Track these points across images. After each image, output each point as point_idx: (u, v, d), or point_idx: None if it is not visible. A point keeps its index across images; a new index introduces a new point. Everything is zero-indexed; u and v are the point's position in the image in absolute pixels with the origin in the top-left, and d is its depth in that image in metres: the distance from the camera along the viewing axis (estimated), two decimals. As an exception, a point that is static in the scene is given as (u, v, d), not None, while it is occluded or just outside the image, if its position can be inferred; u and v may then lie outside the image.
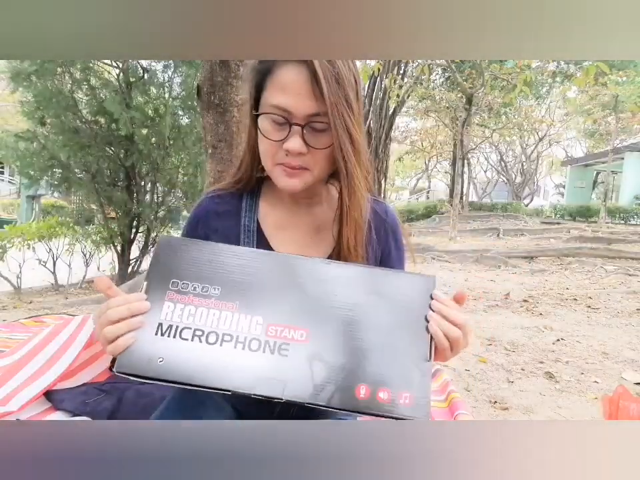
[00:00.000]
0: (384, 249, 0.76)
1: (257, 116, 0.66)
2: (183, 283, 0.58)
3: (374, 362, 0.54)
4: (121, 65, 4.75)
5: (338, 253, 0.70)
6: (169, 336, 0.55)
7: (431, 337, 0.56)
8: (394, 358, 0.55)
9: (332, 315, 0.57)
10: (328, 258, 0.75)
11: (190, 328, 0.55)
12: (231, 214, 0.75)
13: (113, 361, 0.99)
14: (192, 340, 0.55)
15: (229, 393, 0.51)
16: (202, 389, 0.52)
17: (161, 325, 0.55)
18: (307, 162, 0.65)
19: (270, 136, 0.64)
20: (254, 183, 0.78)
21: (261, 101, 0.66)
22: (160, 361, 0.53)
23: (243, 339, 0.55)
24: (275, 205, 0.77)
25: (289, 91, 0.61)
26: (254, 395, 0.51)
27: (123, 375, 0.52)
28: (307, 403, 0.51)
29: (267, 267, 0.59)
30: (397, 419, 0.51)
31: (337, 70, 0.61)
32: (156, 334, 0.54)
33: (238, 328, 0.55)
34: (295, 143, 0.62)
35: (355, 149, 0.63)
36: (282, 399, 0.51)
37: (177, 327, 0.55)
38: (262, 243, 0.74)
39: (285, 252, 0.74)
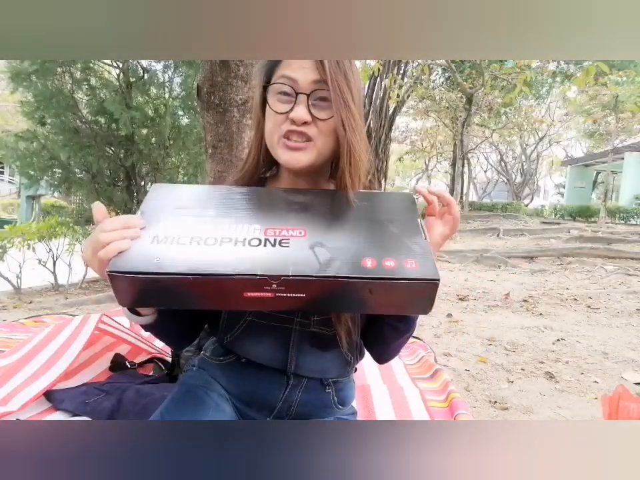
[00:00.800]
0: None
1: (266, 101, 0.68)
2: (177, 209, 0.58)
3: (375, 242, 0.55)
4: (121, 65, 4.76)
5: None
6: (165, 244, 0.53)
7: (421, 225, 0.60)
8: (393, 239, 0.56)
9: (327, 218, 0.59)
10: None
11: (187, 236, 0.54)
12: None
13: (114, 361, 0.99)
14: (190, 244, 0.53)
15: (233, 278, 0.49)
16: (202, 278, 0.49)
17: (156, 236, 0.54)
18: (311, 132, 0.67)
19: (277, 108, 0.67)
20: (256, 182, 0.78)
21: (269, 89, 0.69)
22: (156, 260, 0.50)
23: (242, 240, 0.54)
24: None
25: (295, 65, 0.65)
26: (259, 275, 0.49)
27: (117, 274, 0.49)
28: (315, 276, 0.50)
29: (259, 195, 0.62)
30: (408, 280, 0.51)
31: None
32: (151, 243, 0.53)
33: (236, 232, 0.55)
34: (300, 111, 0.65)
35: (354, 119, 0.66)
36: (289, 275, 0.49)
37: (174, 236, 0.54)
38: None
39: None
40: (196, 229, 0.55)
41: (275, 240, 0.54)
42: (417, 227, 0.59)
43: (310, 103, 0.65)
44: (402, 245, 0.55)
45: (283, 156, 0.68)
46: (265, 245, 0.53)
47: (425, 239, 0.57)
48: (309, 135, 0.67)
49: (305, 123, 0.66)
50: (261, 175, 0.79)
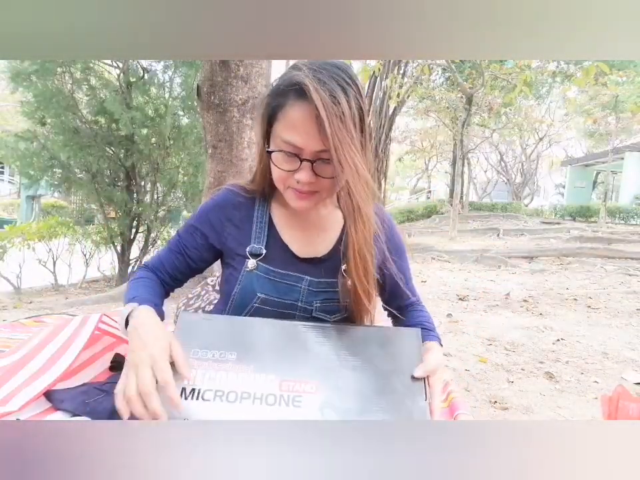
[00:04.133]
0: (382, 251, 0.78)
1: (269, 150, 0.71)
2: (202, 351, 0.65)
3: (378, 406, 0.61)
4: (121, 65, 4.75)
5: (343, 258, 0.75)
6: (192, 399, 0.60)
7: (425, 380, 0.65)
8: (395, 401, 0.62)
9: (338, 366, 0.64)
10: (329, 254, 0.80)
11: (211, 390, 0.61)
12: (245, 206, 0.81)
13: (114, 361, 0.99)
14: (214, 400, 0.60)
15: None
16: None
17: (184, 389, 0.60)
18: (316, 186, 0.70)
19: (282, 167, 0.69)
20: (265, 189, 0.83)
21: (272, 131, 0.71)
22: (185, 420, 0.58)
23: (259, 396, 0.60)
24: (284, 205, 0.82)
25: (298, 129, 0.66)
26: None
27: None
28: None
29: (277, 334, 0.67)
30: None
31: (338, 107, 0.63)
32: (180, 397, 0.59)
33: (255, 386, 0.61)
34: (305, 175, 0.67)
35: (360, 180, 0.66)
36: None
37: (199, 390, 0.61)
38: (272, 233, 0.80)
39: (294, 247, 0.80)
40: (218, 381, 0.62)
41: (288, 397, 0.60)
42: (421, 388, 0.63)
43: (314, 165, 0.67)
44: (403, 409, 0.61)
45: (292, 203, 0.72)
46: (279, 405, 0.59)
47: (426, 400, 0.62)
48: (314, 189, 0.70)
49: (310, 182, 0.68)
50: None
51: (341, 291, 0.75)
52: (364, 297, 0.71)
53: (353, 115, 0.65)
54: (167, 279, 0.82)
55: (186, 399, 0.59)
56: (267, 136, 0.73)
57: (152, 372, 0.57)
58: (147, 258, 5.41)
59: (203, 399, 0.60)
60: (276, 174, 0.71)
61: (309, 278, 0.77)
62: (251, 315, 0.77)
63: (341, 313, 0.78)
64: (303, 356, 0.65)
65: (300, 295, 0.77)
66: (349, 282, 0.72)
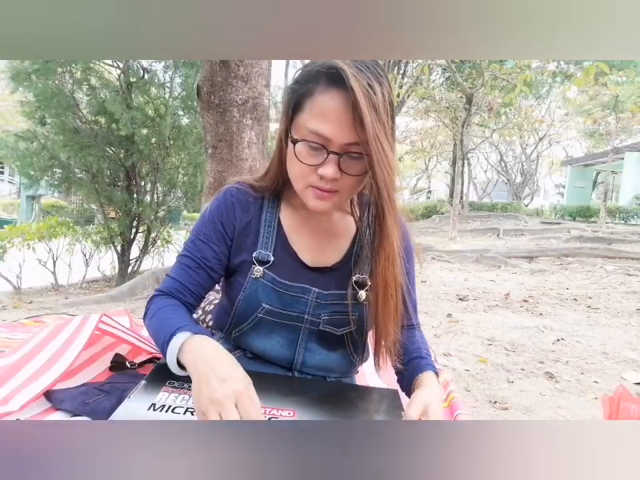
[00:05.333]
0: None
1: (292, 137, 0.65)
2: (179, 383, 0.67)
3: None
4: (121, 65, 4.76)
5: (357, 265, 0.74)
6: (160, 411, 0.60)
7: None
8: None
9: (318, 398, 0.66)
10: (339, 263, 0.77)
11: (182, 407, 0.61)
12: (254, 207, 0.76)
13: (114, 361, 0.99)
14: (184, 414, 0.59)
15: None
16: None
17: (154, 404, 0.61)
18: (338, 185, 0.65)
19: (305, 160, 0.63)
20: (276, 188, 0.78)
21: (295, 121, 0.65)
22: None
23: None
24: (295, 207, 0.77)
25: (329, 118, 0.60)
26: None
27: None
28: None
29: (260, 379, 0.66)
30: None
31: (375, 98, 0.59)
32: (148, 410, 0.60)
33: None
34: (330, 170, 0.62)
35: (394, 176, 0.62)
36: None
37: (170, 406, 0.61)
38: (281, 239, 0.75)
39: (303, 255, 0.76)
40: (192, 402, 0.61)
41: (264, 417, 0.59)
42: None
43: (340, 160, 0.62)
44: None
45: (310, 203, 0.67)
46: None
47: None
48: (336, 187, 0.65)
49: (334, 179, 0.63)
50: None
51: (350, 304, 0.72)
52: (387, 306, 0.66)
53: (386, 108, 0.61)
54: (190, 300, 0.73)
55: (154, 411, 0.60)
56: (289, 127, 0.67)
57: (236, 410, 0.51)
58: (147, 258, 5.41)
59: (172, 412, 0.60)
60: (296, 170, 0.65)
61: (317, 290, 0.73)
62: (255, 325, 0.74)
63: (350, 327, 0.74)
64: (284, 386, 0.67)
65: (307, 307, 0.73)
66: (373, 292, 0.68)
